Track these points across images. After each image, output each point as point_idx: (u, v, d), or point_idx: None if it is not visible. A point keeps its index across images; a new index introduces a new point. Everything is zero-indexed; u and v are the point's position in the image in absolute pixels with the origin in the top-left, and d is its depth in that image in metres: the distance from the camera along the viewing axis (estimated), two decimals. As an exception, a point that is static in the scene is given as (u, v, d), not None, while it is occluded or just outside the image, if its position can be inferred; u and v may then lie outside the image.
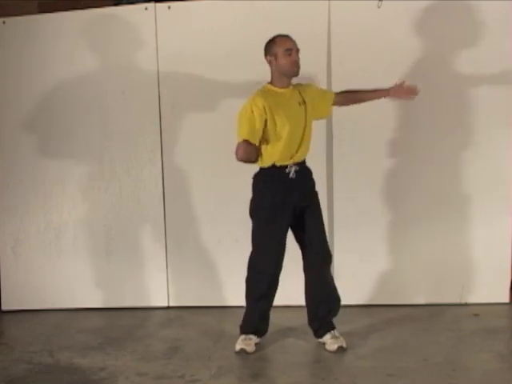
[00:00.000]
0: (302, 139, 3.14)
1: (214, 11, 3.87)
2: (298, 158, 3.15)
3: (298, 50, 3.11)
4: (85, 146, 4.05)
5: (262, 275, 3.20)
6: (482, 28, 3.69)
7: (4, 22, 4.03)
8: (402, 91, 3.29)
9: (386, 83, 3.76)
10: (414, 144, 3.81)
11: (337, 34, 3.79)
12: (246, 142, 3.04)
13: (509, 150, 3.76)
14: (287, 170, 3.11)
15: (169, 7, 3.91)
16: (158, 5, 3.92)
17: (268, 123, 3.07)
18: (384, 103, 3.79)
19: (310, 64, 3.73)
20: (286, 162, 3.12)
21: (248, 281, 3.26)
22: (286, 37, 3.11)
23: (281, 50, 3.07)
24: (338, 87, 3.75)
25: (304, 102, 3.16)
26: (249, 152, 3.05)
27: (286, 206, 3.13)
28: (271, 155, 3.12)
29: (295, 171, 3.12)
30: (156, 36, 3.92)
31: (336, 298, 3.27)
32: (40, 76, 4.02)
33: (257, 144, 3.08)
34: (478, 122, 3.76)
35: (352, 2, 3.76)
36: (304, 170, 3.18)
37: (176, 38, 3.90)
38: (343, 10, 3.77)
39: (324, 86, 3.75)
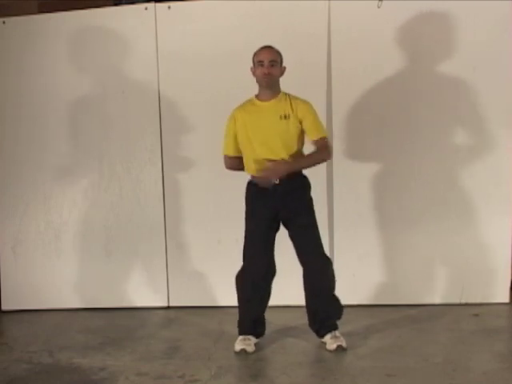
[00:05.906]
0: (278, 151, 3.09)
1: (213, 11, 3.87)
2: None
3: (273, 62, 3.08)
4: (85, 145, 4.05)
5: (247, 277, 3.22)
6: (481, 28, 3.69)
7: (4, 22, 4.03)
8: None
9: (386, 83, 3.77)
10: (413, 144, 3.81)
11: (337, 33, 3.79)
12: (225, 154, 3.28)
13: (509, 150, 3.76)
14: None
15: (169, 7, 3.91)
16: (158, 5, 3.92)
17: (238, 136, 3.20)
18: (384, 103, 3.81)
19: (310, 64, 3.75)
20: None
21: (236, 280, 3.28)
22: (263, 48, 3.13)
23: (255, 62, 3.13)
24: (338, 87, 3.78)
25: (289, 116, 3.09)
26: (229, 164, 3.29)
27: (266, 211, 3.14)
28: (246, 165, 3.20)
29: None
30: (156, 36, 3.92)
31: (334, 308, 3.23)
32: (40, 76, 4.03)
33: (233, 155, 3.24)
34: (477, 122, 3.76)
35: (352, 2, 3.76)
36: (290, 178, 3.09)
37: (176, 38, 3.91)
38: (343, 10, 3.77)
39: (324, 86, 3.76)
